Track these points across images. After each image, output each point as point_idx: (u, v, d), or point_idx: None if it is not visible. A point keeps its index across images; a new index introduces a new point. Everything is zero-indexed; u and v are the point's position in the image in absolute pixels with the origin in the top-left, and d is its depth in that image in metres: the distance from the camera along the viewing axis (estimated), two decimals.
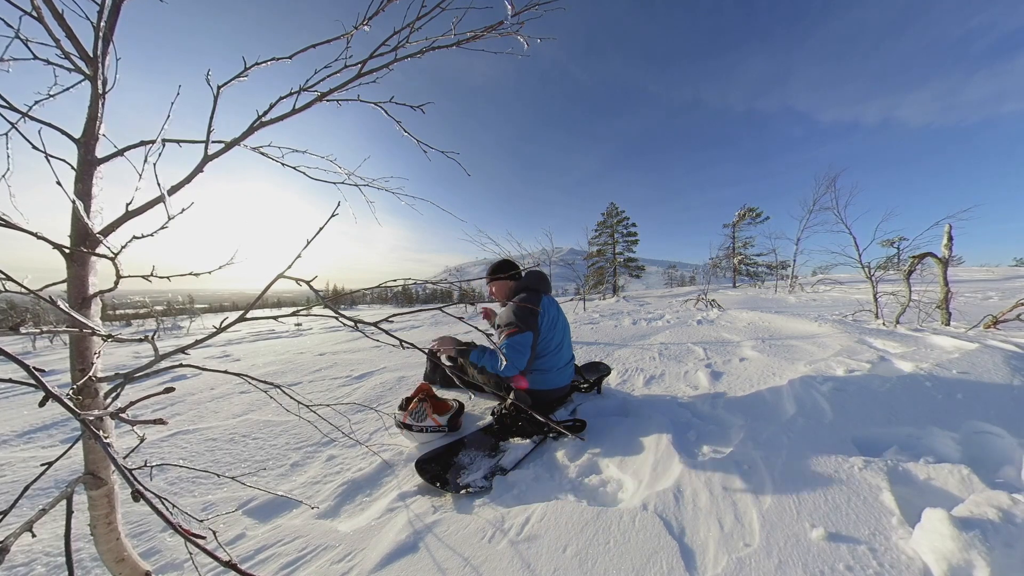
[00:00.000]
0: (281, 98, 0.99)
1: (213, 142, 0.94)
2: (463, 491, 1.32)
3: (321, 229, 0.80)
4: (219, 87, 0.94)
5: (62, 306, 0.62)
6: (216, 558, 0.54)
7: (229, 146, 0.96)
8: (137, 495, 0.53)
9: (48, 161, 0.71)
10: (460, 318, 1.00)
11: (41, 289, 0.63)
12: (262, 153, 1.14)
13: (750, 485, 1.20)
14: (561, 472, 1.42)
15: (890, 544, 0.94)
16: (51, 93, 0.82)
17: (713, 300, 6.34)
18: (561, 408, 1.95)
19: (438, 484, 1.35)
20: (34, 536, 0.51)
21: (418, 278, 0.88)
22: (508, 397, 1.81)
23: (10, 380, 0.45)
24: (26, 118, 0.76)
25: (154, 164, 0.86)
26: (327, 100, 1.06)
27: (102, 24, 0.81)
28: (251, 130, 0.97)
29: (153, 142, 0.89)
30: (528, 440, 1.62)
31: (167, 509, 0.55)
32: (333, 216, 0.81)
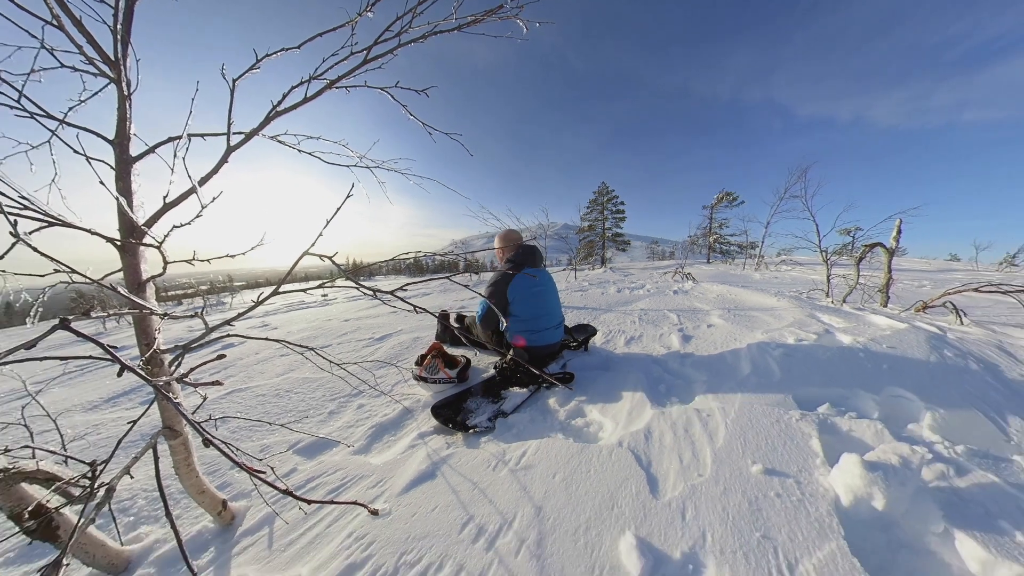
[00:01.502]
0: (293, 87, 0.93)
1: (234, 133, 0.89)
2: (471, 431, 1.38)
3: (339, 209, 0.77)
4: (234, 80, 0.88)
5: (122, 292, 0.65)
6: (275, 487, 0.60)
7: (249, 136, 0.91)
8: (207, 442, 0.58)
9: (89, 163, 0.70)
10: (466, 285, 1.01)
11: (103, 278, 0.65)
12: (280, 141, 1.09)
13: (707, 429, 1.26)
14: (552, 415, 1.48)
15: (812, 479, 1.01)
16: (82, 99, 0.79)
17: (689, 274, 6.31)
18: (553, 363, 2.00)
19: (450, 425, 1.41)
20: (132, 477, 0.56)
21: (427, 251, 0.87)
22: (508, 353, 1.88)
23: (91, 357, 0.49)
24: (64, 124, 0.74)
25: (183, 158, 0.83)
26: (336, 87, 0.99)
27: (119, 27, 0.76)
28: (267, 120, 0.92)
29: (180, 137, 0.86)
30: (525, 389, 1.67)
31: (232, 452, 0.61)
32: (349, 197, 0.79)
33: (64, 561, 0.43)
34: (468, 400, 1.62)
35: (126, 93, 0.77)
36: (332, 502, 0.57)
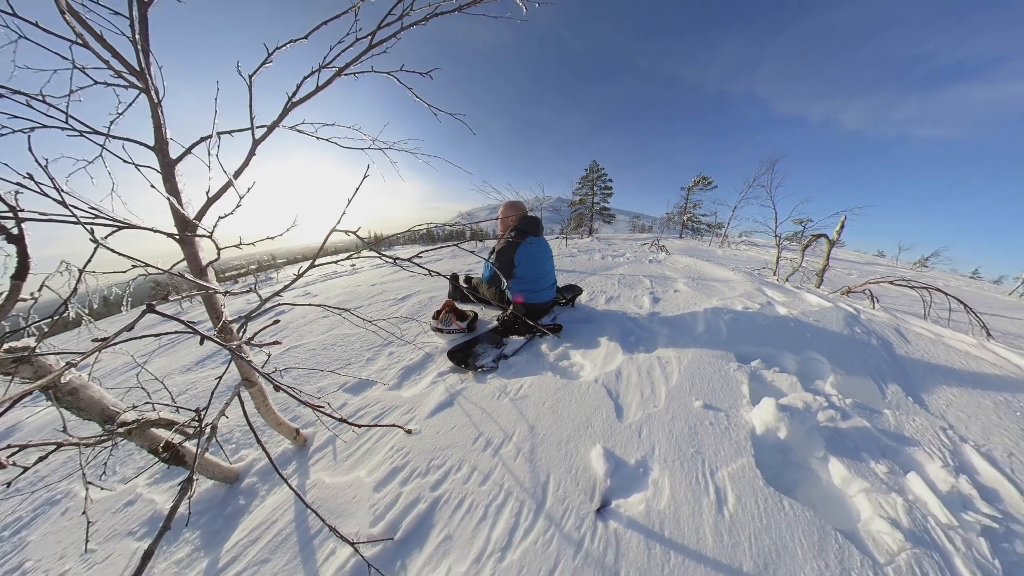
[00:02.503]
0: (305, 78, 0.86)
1: (257, 127, 0.84)
2: (479, 370, 1.45)
3: (358, 189, 0.74)
4: (250, 76, 0.80)
5: (189, 277, 0.68)
6: (333, 417, 0.68)
7: (271, 129, 0.85)
8: (277, 388, 0.65)
9: (139, 170, 0.69)
10: (472, 251, 1.02)
11: (171, 268, 0.68)
12: (299, 131, 1.00)
13: (664, 372, 1.34)
14: (544, 358, 1.56)
15: (738, 414, 1.11)
16: (119, 111, 0.75)
17: (663, 246, 6.12)
18: (545, 316, 2.03)
19: (463, 366, 1.48)
20: (227, 417, 0.63)
21: (438, 222, 0.86)
22: (508, 308, 1.93)
23: (177, 332, 0.53)
24: (109, 138, 0.71)
25: (216, 156, 0.79)
26: (345, 74, 0.91)
27: (137, 36, 0.70)
28: (285, 112, 0.86)
29: (210, 137, 0.82)
30: (522, 337, 1.73)
31: (297, 394, 0.68)
32: (366, 177, 0.75)
33: (194, 477, 0.51)
34: (476, 346, 1.68)
35: (156, 100, 0.73)
36: (376, 425, 0.65)
